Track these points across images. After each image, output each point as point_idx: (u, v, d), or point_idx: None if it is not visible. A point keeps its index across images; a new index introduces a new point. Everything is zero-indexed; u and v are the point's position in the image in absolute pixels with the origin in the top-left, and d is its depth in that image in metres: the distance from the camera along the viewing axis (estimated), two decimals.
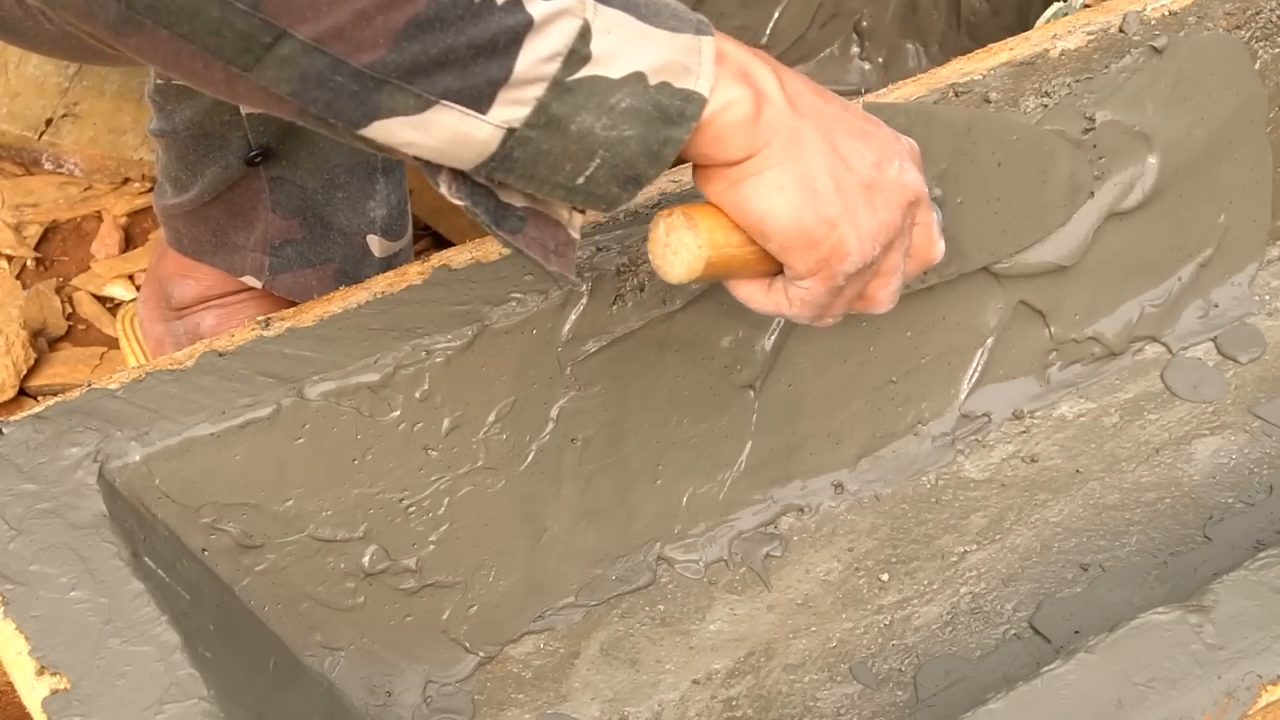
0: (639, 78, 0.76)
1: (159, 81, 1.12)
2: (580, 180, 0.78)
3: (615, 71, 0.75)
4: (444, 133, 0.75)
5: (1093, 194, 1.17)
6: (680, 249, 0.84)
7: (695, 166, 0.83)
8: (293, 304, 1.14)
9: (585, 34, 0.74)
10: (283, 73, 0.71)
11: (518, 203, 0.80)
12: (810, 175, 0.82)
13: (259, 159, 1.15)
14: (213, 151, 1.16)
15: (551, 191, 0.79)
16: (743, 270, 0.86)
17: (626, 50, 0.76)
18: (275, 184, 1.18)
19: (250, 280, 1.23)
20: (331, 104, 0.73)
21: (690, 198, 0.96)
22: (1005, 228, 1.14)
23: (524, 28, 0.73)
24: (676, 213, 0.84)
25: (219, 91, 0.74)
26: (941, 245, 0.91)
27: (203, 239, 1.23)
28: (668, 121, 0.77)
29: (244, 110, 1.12)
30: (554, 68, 0.74)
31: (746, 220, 0.83)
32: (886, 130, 0.87)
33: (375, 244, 1.21)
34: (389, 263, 1.22)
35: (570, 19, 0.74)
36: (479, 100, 0.74)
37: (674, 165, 0.80)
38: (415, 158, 0.77)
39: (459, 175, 0.79)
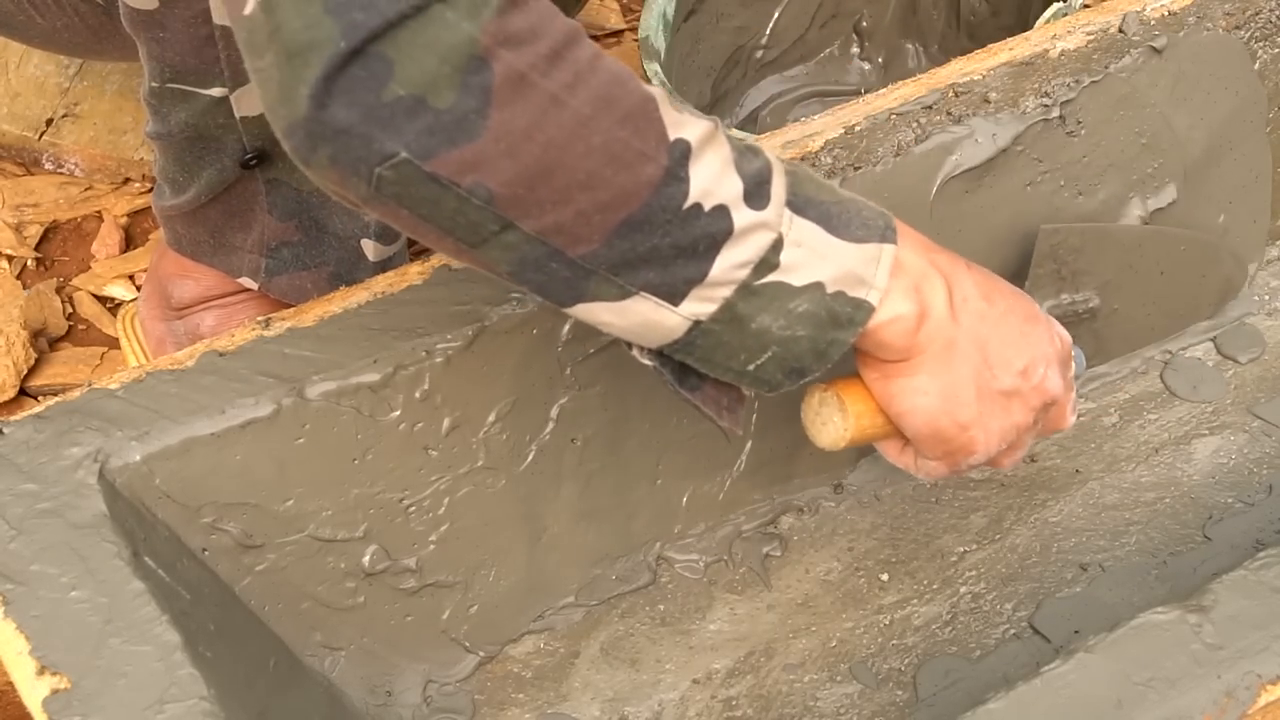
0: (818, 286, 0.82)
1: (153, 84, 1.12)
2: (751, 368, 0.84)
3: (798, 280, 0.81)
4: (638, 319, 0.81)
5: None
6: (829, 424, 0.92)
7: (855, 349, 0.88)
8: (292, 305, 1.14)
9: (778, 245, 0.80)
10: (505, 255, 0.77)
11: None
12: (955, 384, 0.88)
13: (254, 162, 1.15)
14: (208, 154, 1.16)
15: (723, 374, 0.85)
16: (882, 439, 0.93)
17: (812, 262, 0.81)
18: (271, 186, 1.18)
19: (247, 282, 1.23)
20: (544, 285, 0.79)
21: None
22: (1154, 325, 1.20)
23: (724, 236, 0.79)
24: (831, 391, 0.91)
25: (445, 254, 0.81)
26: (1074, 419, 0.97)
27: (201, 240, 1.23)
28: (837, 326, 0.83)
29: (238, 113, 1.12)
30: (745, 273, 0.80)
31: (889, 411, 0.90)
32: (1044, 331, 0.92)
33: (370, 248, 1.21)
34: (383, 267, 1.22)
35: (766, 232, 0.80)
36: (673, 295, 0.80)
37: None
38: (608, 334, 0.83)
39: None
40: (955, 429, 0.89)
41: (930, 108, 1.10)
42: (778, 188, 0.80)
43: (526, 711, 1.04)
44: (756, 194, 0.79)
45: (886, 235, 0.84)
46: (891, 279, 0.84)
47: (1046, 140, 1.13)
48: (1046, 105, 1.12)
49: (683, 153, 0.77)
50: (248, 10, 0.72)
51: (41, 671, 0.80)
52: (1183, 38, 1.16)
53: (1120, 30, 1.15)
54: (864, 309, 0.83)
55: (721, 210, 0.78)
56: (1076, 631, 1.06)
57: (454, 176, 0.73)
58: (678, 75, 1.44)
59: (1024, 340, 0.90)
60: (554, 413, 1.04)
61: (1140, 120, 1.16)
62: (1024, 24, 1.39)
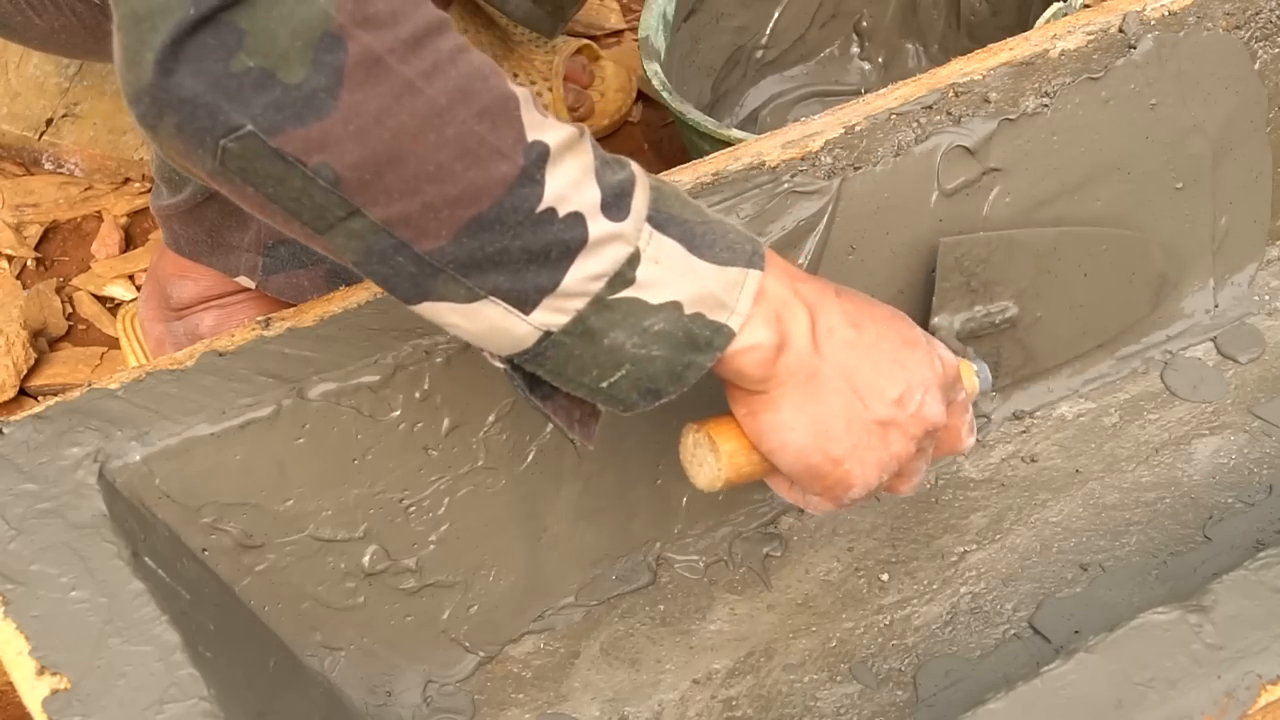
0: (675, 306, 0.80)
1: None
2: (604, 385, 0.82)
3: (655, 298, 0.80)
4: (486, 324, 0.79)
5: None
6: (704, 465, 0.90)
7: (725, 383, 0.87)
8: (291, 304, 1.14)
9: (634, 260, 0.79)
10: (351, 243, 0.76)
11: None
12: (823, 418, 0.86)
13: None
14: None
15: (575, 388, 0.83)
16: (764, 476, 0.91)
17: (670, 280, 0.80)
18: None
19: (244, 281, 1.23)
20: (389, 279, 0.77)
21: None
22: (1086, 329, 1.18)
23: (578, 245, 0.77)
24: (704, 431, 0.90)
25: (296, 238, 0.78)
26: (971, 441, 0.96)
27: (198, 239, 1.23)
28: (695, 348, 0.81)
29: None
30: (599, 286, 0.78)
31: (760, 448, 0.88)
32: (921, 356, 0.90)
33: None
34: None
35: (623, 245, 0.78)
36: (524, 302, 0.78)
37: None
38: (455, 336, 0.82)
39: None
40: (828, 464, 0.87)
41: (930, 108, 1.10)
42: (639, 201, 0.79)
43: (526, 711, 1.04)
44: (615, 205, 0.78)
45: (753, 261, 0.82)
46: (754, 305, 0.82)
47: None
48: (1046, 105, 1.12)
49: (540, 154, 0.75)
50: None
51: (41, 671, 0.80)
52: (1183, 38, 1.16)
53: (1120, 30, 1.15)
54: (723, 333, 0.82)
55: (576, 218, 0.76)
56: (1076, 631, 1.06)
57: (300, 155, 0.71)
58: (678, 75, 1.44)
59: (897, 367, 0.88)
60: None
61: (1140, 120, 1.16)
62: (1024, 24, 1.39)
